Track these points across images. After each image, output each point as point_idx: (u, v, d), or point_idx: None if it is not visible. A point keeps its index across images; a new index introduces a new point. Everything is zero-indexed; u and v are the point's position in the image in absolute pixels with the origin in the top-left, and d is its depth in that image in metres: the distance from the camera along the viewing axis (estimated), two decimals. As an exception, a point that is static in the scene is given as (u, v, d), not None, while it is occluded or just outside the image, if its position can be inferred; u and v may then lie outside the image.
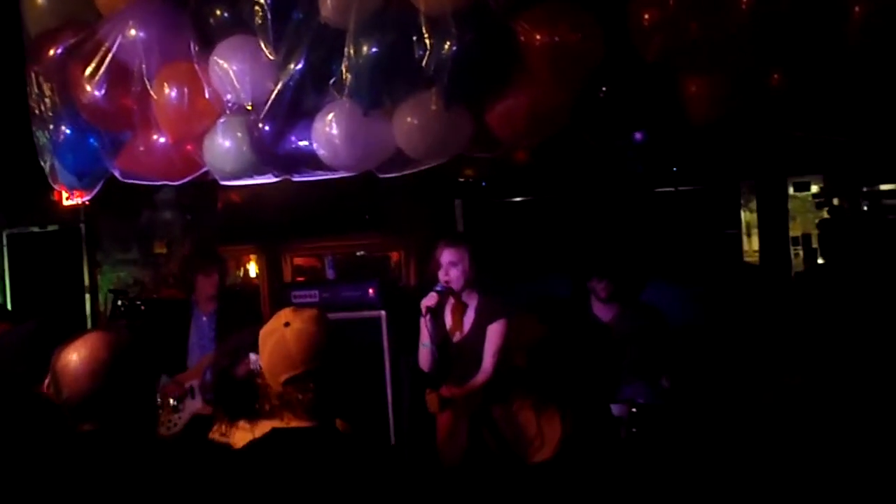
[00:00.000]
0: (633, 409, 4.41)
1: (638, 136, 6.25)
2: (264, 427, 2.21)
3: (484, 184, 7.83)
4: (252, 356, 2.28)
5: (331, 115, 3.31)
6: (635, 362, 4.75)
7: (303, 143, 3.42)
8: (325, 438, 2.09)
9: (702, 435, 4.49)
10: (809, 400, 4.17)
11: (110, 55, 3.49)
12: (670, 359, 4.86)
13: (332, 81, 3.27)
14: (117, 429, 1.83)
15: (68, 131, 3.78)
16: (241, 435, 2.42)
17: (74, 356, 1.85)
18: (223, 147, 3.54)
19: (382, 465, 2.09)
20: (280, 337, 2.11)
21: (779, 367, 4.55)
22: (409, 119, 3.24)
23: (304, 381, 2.07)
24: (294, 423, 2.10)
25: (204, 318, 5.78)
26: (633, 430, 4.17)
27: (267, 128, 3.39)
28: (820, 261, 7.26)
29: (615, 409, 4.29)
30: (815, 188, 7.72)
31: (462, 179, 7.64)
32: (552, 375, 2.64)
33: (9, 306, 8.80)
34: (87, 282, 8.88)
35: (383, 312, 5.33)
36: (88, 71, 3.53)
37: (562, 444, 2.58)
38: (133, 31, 3.48)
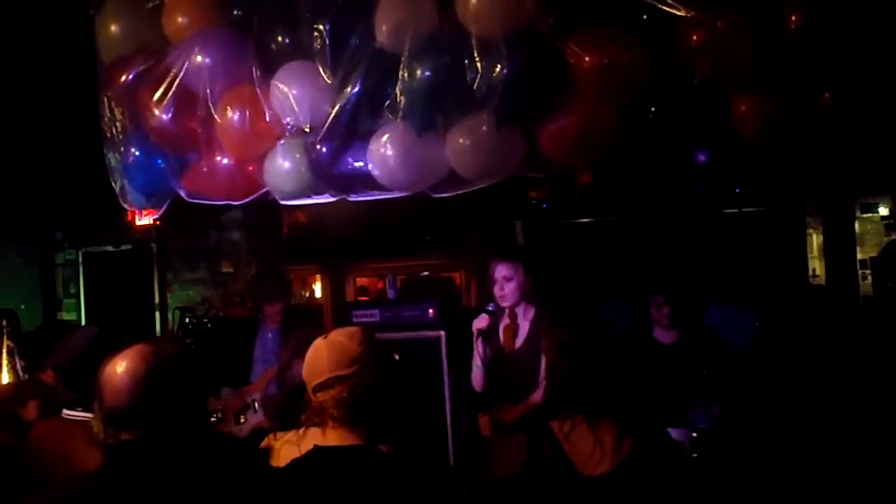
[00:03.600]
0: (694, 434, 4.36)
1: (701, 156, 6.22)
2: (310, 443, 2.26)
3: (545, 205, 7.83)
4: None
5: (385, 137, 3.39)
6: (696, 386, 4.70)
7: (358, 164, 3.50)
8: (368, 458, 2.11)
9: (763, 461, 4.41)
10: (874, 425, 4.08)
11: (178, 80, 3.63)
12: (731, 383, 4.79)
13: (386, 104, 3.34)
14: (156, 439, 1.88)
15: (137, 153, 3.93)
16: (287, 449, 2.48)
17: (117, 368, 1.91)
18: (282, 168, 3.65)
19: (425, 487, 2.10)
20: (315, 347, 2.20)
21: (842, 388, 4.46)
22: (461, 140, 3.29)
23: (331, 386, 2.11)
24: (337, 440, 2.12)
25: (269, 335, 5.93)
26: (694, 455, 4.13)
27: (324, 149, 3.49)
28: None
29: (675, 433, 4.25)
30: (883, 210, 7.55)
31: (524, 200, 7.66)
32: (606, 391, 2.64)
33: (83, 322, 9.09)
34: (157, 299, 9.12)
35: (443, 332, 5.32)
36: (157, 95, 3.67)
37: (620, 460, 2.57)
38: (199, 58, 3.61)
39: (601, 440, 2.54)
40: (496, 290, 4.18)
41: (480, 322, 4.17)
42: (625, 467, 2.52)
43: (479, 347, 4.18)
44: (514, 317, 4.21)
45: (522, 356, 4.14)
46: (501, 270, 4.16)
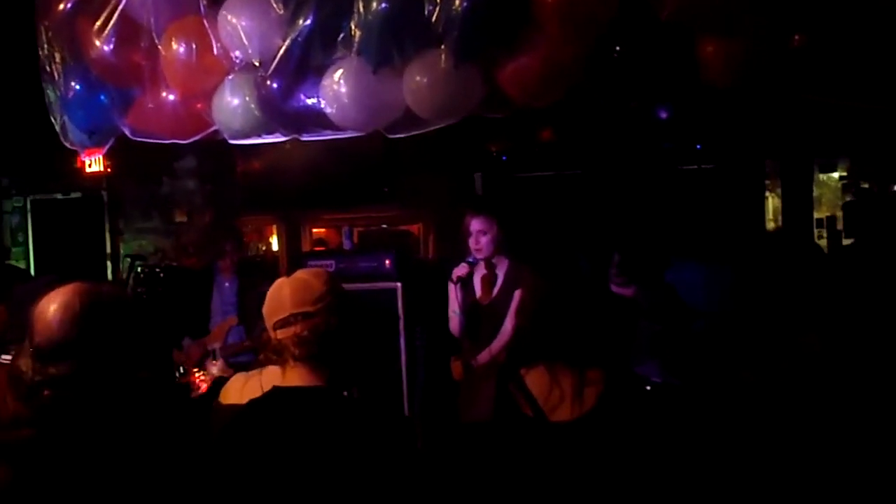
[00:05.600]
0: (648, 388, 4.36)
1: (663, 112, 6.18)
2: (270, 375, 2.19)
3: (504, 158, 7.78)
4: None
5: (339, 73, 3.25)
6: (651, 340, 4.69)
7: (311, 101, 3.36)
8: (327, 399, 2.06)
9: (715, 417, 4.42)
10: (829, 371, 4.08)
11: (119, 9, 3.45)
12: (685, 339, 4.79)
13: (340, 38, 3.20)
14: (86, 376, 1.82)
15: (78, 88, 3.74)
16: (251, 384, 2.41)
17: (50, 304, 1.86)
18: (231, 105, 3.49)
19: (386, 431, 2.04)
20: (278, 284, 2.14)
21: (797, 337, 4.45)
22: (418, 78, 3.17)
23: (292, 323, 2.05)
24: (297, 380, 2.07)
25: (226, 284, 5.91)
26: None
27: (275, 85, 3.34)
28: (845, 242, 7.14)
29: (627, 387, 4.27)
30: (837, 174, 7.62)
31: (483, 153, 7.61)
32: (568, 338, 2.58)
33: (32, 271, 8.87)
34: (108, 249, 8.95)
35: (399, 284, 5.28)
36: (97, 25, 3.49)
37: (583, 410, 2.52)
38: (142, -15, 3.44)
39: (559, 382, 2.48)
40: (472, 243, 4.26)
41: (460, 269, 4.26)
42: (590, 417, 2.46)
43: (457, 294, 4.26)
44: (490, 268, 4.30)
45: (496, 306, 4.23)
46: (476, 224, 4.24)
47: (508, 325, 4.10)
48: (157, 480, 1.87)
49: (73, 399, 1.82)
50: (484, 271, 4.32)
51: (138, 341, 1.96)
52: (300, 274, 2.16)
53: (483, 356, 4.21)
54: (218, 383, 5.43)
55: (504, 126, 4.28)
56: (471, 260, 4.27)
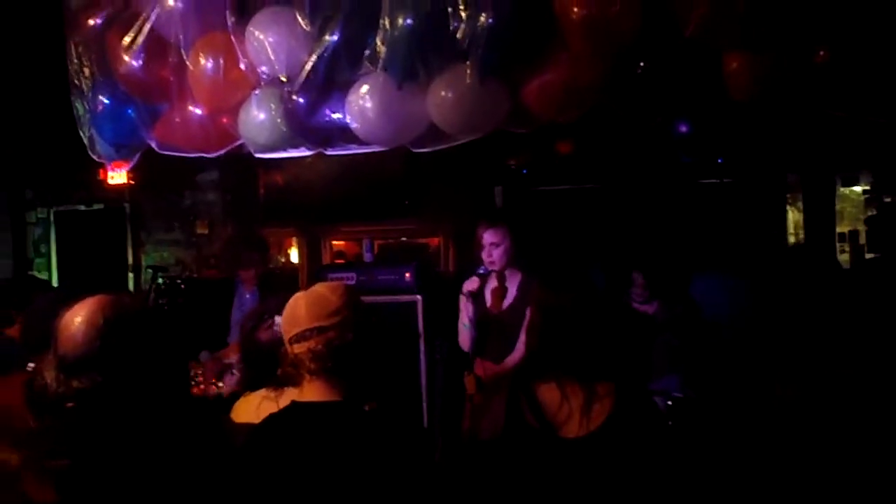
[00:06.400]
0: (670, 402, 4.35)
1: (683, 127, 6.17)
2: (288, 399, 2.20)
3: (525, 171, 7.79)
4: (276, 318, 2.32)
5: (365, 88, 3.28)
6: (672, 354, 4.69)
7: (336, 116, 3.39)
8: (344, 414, 2.06)
9: (738, 430, 4.40)
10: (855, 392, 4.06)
11: (148, 26, 3.50)
12: (706, 353, 4.78)
13: (366, 54, 3.23)
14: (109, 388, 1.83)
15: (106, 102, 3.79)
16: (266, 405, 2.41)
17: (74, 317, 1.87)
18: (257, 119, 3.53)
19: (403, 445, 2.04)
20: (295, 298, 2.14)
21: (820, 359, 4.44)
22: (443, 93, 3.19)
23: (308, 338, 2.05)
24: (314, 395, 2.07)
25: (247, 296, 5.90)
26: (669, 422, 4.12)
27: (301, 100, 3.37)
28: (868, 257, 7.11)
29: (650, 400, 4.26)
30: (859, 188, 7.58)
31: (503, 166, 7.62)
32: (579, 353, 2.58)
33: (54, 282, 8.96)
34: (130, 260, 9.02)
35: (419, 297, 5.28)
36: (126, 41, 3.53)
37: (590, 429, 2.51)
38: (170, 2, 3.47)
39: (568, 397, 2.48)
40: (484, 256, 4.21)
41: (471, 283, 4.20)
42: (598, 435, 2.45)
43: (467, 308, 4.21)
44: (502, 280, 4.25)
45: (508, 318, 4.18)
46: (489, 237, 4.19)
47: (522, 343, 4.05)
48: (178, 493, 1.88)
49: (95, 411, 1.83)
50: (495, 284, 4.26)
51: (161, 353, 1.98)
52: (317, 288, 2.16)
53: (495, 371, 4.13)
54: (235, 397, 5.46)
55: (524, 140, 4.28)
56: (482, 271, 4.22)
